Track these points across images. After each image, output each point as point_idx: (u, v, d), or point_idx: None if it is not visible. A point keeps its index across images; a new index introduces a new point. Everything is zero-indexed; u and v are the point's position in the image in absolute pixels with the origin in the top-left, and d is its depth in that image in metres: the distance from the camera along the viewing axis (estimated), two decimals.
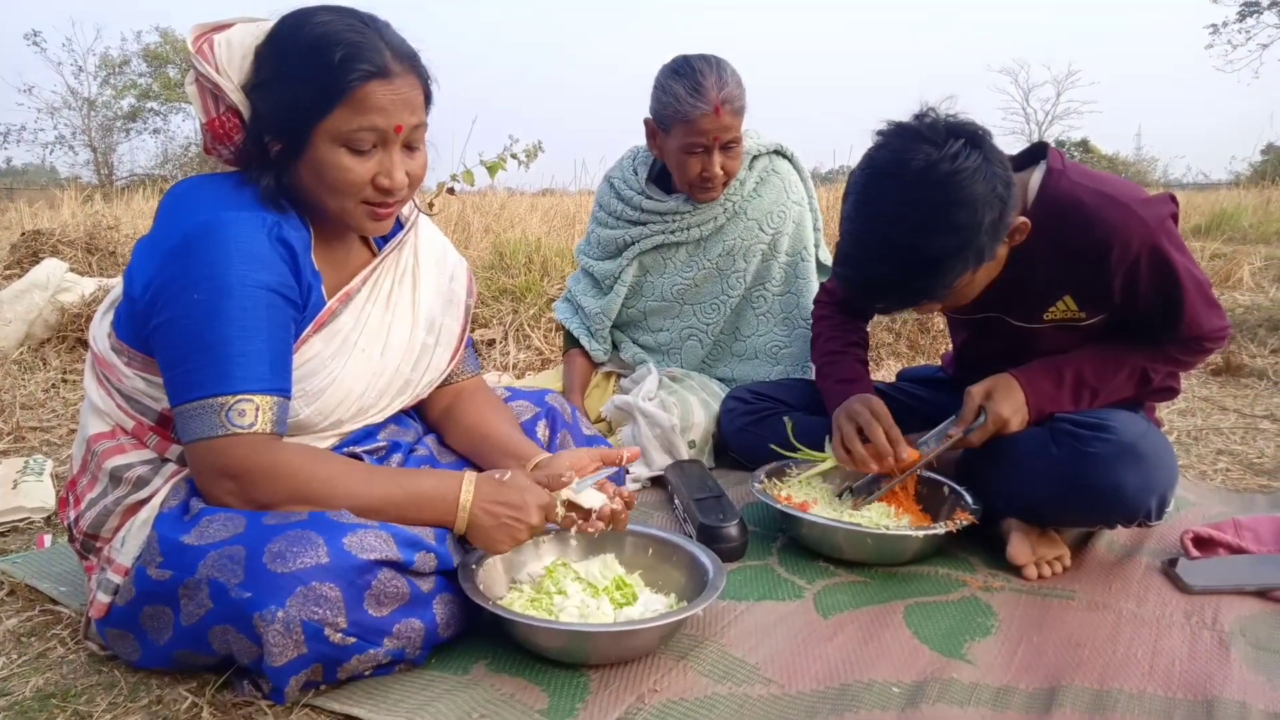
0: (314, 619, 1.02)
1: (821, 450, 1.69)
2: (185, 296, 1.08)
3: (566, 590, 1.24)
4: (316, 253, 1.23)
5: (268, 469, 1.10)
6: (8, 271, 3.89)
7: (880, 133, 1.38)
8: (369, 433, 1.32)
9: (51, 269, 3.29)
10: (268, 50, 1.15)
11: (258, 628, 1.00)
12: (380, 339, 1.29)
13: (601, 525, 1.25)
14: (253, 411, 1.08)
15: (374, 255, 1.34)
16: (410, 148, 1.21)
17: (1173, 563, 1.49)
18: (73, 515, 1.22)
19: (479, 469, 1.35)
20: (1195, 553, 1.52)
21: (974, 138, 1.32)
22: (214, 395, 1.07)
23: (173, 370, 1.10)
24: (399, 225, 1.37)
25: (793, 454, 1.74)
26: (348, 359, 1.24)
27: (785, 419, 1.76)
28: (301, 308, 1.18)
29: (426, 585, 1.14)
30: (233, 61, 1.15)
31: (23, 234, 4.36)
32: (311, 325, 1.20)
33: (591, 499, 1.25)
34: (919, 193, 1.29)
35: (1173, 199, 1.47)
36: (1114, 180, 1.49)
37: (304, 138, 1.14)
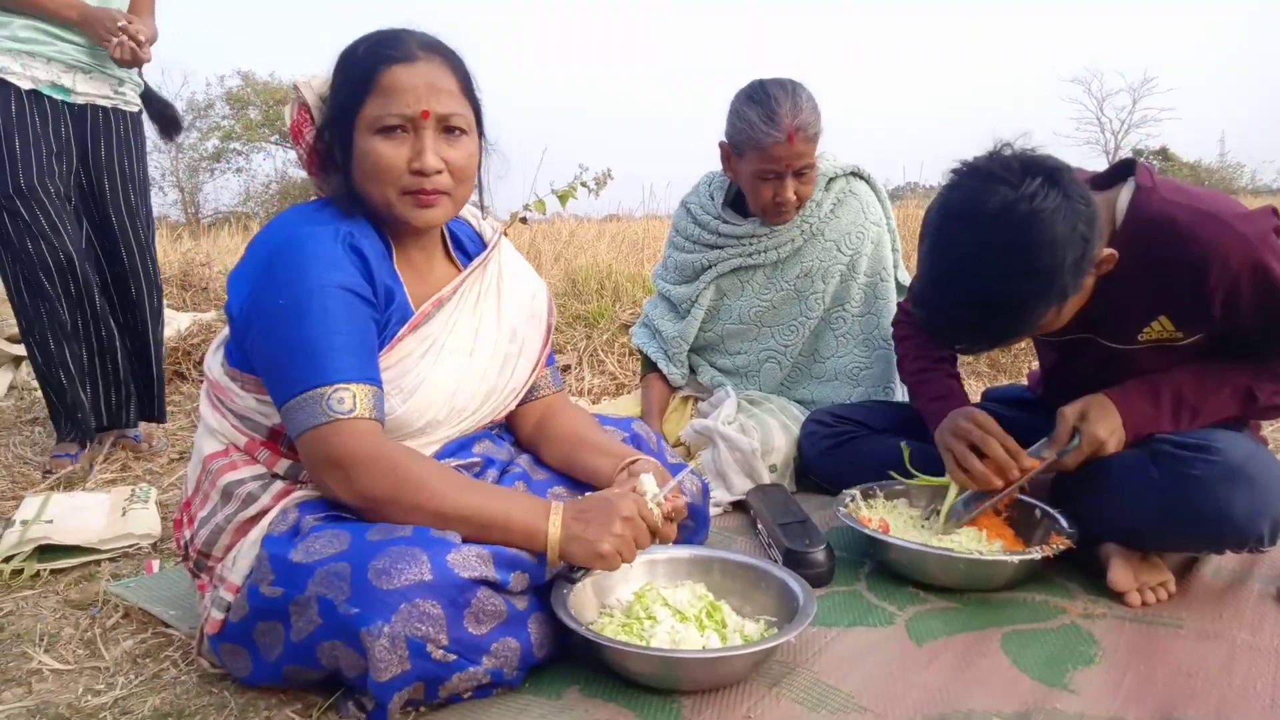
0: (418, 635, 1.04)
1: (939, 474, 1.66)
2: (272, 305, 1.17)
3: (656, 616, 1.25)
4: (399, 262, 1.32)
5: (372, 458, 1.14)
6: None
7: (954, 172, 1.36)
8: (464, 445, 1.37)
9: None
10: (334, 69, 1.28)
11: (364, 642, 1.04)
12: (469, 344, 1.36)
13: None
14: (350, 399, 1.14)
15: (457, 269, 1.42)
16: (450, 135, 1.26)
17: None
18: (187, 535, 1.28)
19: (574, 483, 1.42)
20: None
21: (1052, 174, 1.29)
22: (312, 388, 1.14)
23: (272, 374, 1.19)
24: (483, 244, 1.46)
25: (910, 480, 1.71)
26: (437, 359, 1.30)
27: (902, 444, 1.74)
28: (380, 308, 1.25)
29: (521, 604, 1.16)
30: (319, 79, 1.30)
31: None
32: (406, 326, 1.27)
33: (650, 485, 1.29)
34: (996, 236, 1.27)
35: (1275, 212, 1.41)
36: (1209, 195, 1.44)
37: (350, 134, 1.24)
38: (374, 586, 1.04)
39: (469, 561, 1.10)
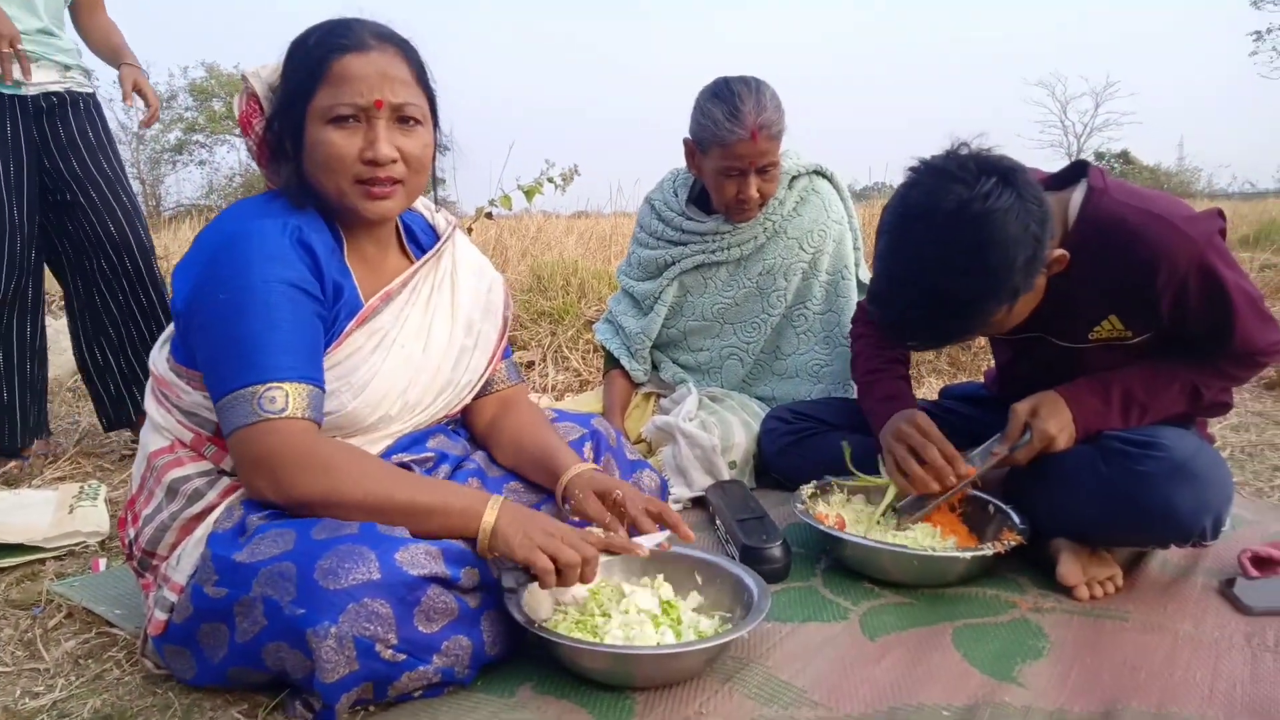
0: (365, 635, 1.03)
1: (877, 473, 1.67)
2: (213, 299, 1.16)
3: (611, 613, 1.25)
4: (350, 255, 1.30)
5: (302, 458, 1.12)
6: (63, 302, 4.00)
7: (912, 170, 1.38)
8: (417, 440, 1.35)
9: None
10: (285, 59, 1.26)
11: (310, 644, 1.02)
12: (421, 338, 1.34)
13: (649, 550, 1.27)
14: (283, 398, 1.12)
15: (411, 262, 1.40)
16: (404, 125, 1.24)
17: (1230, 583, 1.45)
18: (131, 533, 1.26)
19: (530, 482, 1.41)
20: (1254, 572, 1.48)
21: (1006, 175, 1.30)
22: (244, 385, 1.12)
23: (210, 370, 1.17)
24: (436, 236, 1.44)
25: (849, 481, 1.72)
26: (388, 354, 1.29)
27: (844, 443, 1.75)
28: (328, 304, 1.23)
29: (474, 601, 1.15)
30: (268, 68, 1.28)
31: None
32: (354, 321, 1.25)
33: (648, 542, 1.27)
34: (951, 235, 1.28)
35: (1220, 214, 1.44)
36: (1159, 197, 1.47)
37: (301, 124, 1.22)
38: (320, 587, 1.03)
39: (418, 559, 1.08)
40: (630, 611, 1.25)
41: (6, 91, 2.11)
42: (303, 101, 1.21)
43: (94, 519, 1.78)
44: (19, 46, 2.04)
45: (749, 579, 1.29)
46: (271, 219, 1.21)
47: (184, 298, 1.20)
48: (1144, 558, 1.57)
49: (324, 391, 1.20)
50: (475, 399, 1.48)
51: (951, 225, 1.28)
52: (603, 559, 1.36)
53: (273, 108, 1.27)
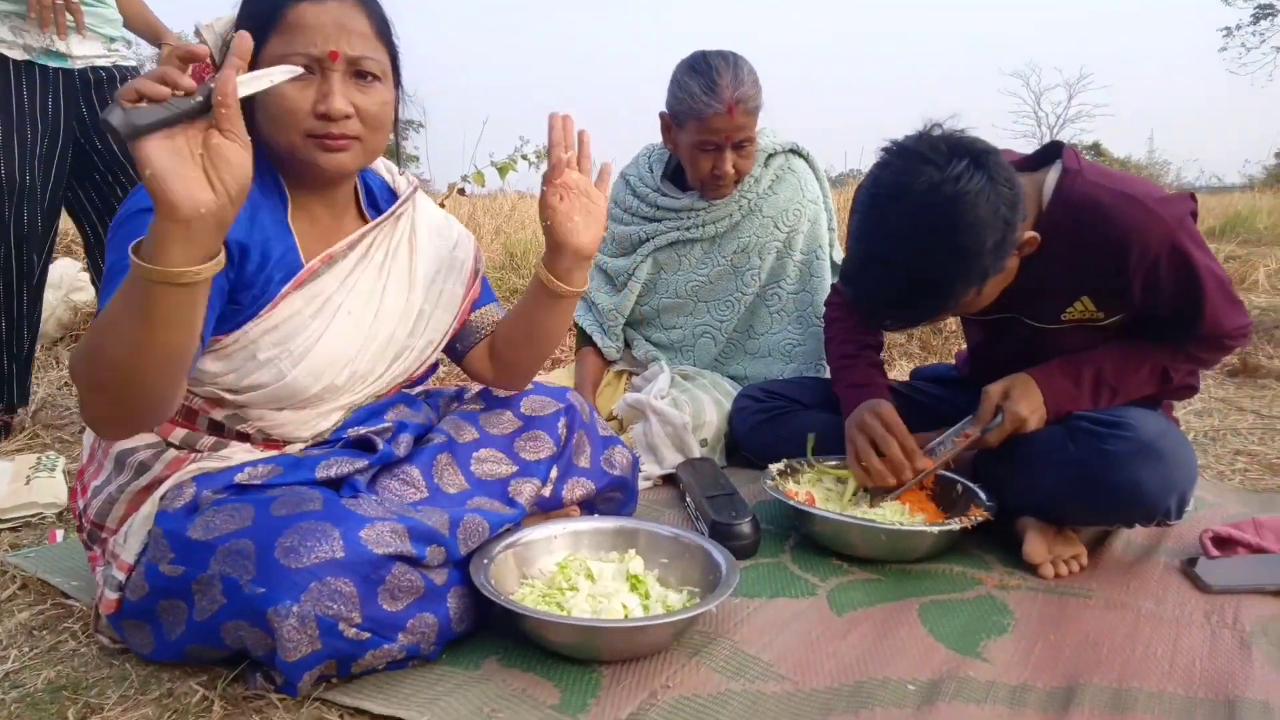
0: (328, 614, 1.01)
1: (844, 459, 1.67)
2: (106, 262, 1.07)
3: (578, 586, 1.24)
4: (295, 217, 1.23)
5: (77, 370, 0.97)
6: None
7: (884, 150, 1.38)
8: (374, 412, 1.32)
9: (65, 269, 3.30)
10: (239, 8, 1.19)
11: (272, 623, 0.99)
12: (373, 304, 1.27)
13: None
14: None
15: (366, 223, 1.33)
16: (361, 81, 1.16)
17: (1192, 562, 1.47)
18: (81, 504, 1.22)
19: (508, 448, 1.39)
20: (1215, 552, 1.50)
21: (978, 157, 1.30)
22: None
23: None
24: (394, 196, 1.37)
25: (811, 468, 1.73)
26: (331, 320, 1.22)
27: (810, 435, 1.74)
28: (241, 264, 1.14)
29: (439, 578, 1.13)
30: (222, 22, 1.19)
31: None
32: (291, 283, 1.18)
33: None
34: (921, 216, 1.29)
35: (1192, 197, 1.45)
36: (1131, 180, 1.47)
37: None
38: (281, 565, 1.00)
39: (383, 537, 1.06)
40: (596, 584, 1.24)
41: (51, 65, 2.05)
42: (254, 52, 1.11)
43: (51, 490, 1.74)
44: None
45: (718, 554, 1.29)
46: None
47: None
48: (1108, 537, 1.59)
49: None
50: (470, 350, 1.45)
51: (922, 206, 1.28)
52: (570, 532, 1.35)
53: (225, 60, 1.21)
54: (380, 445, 1.26)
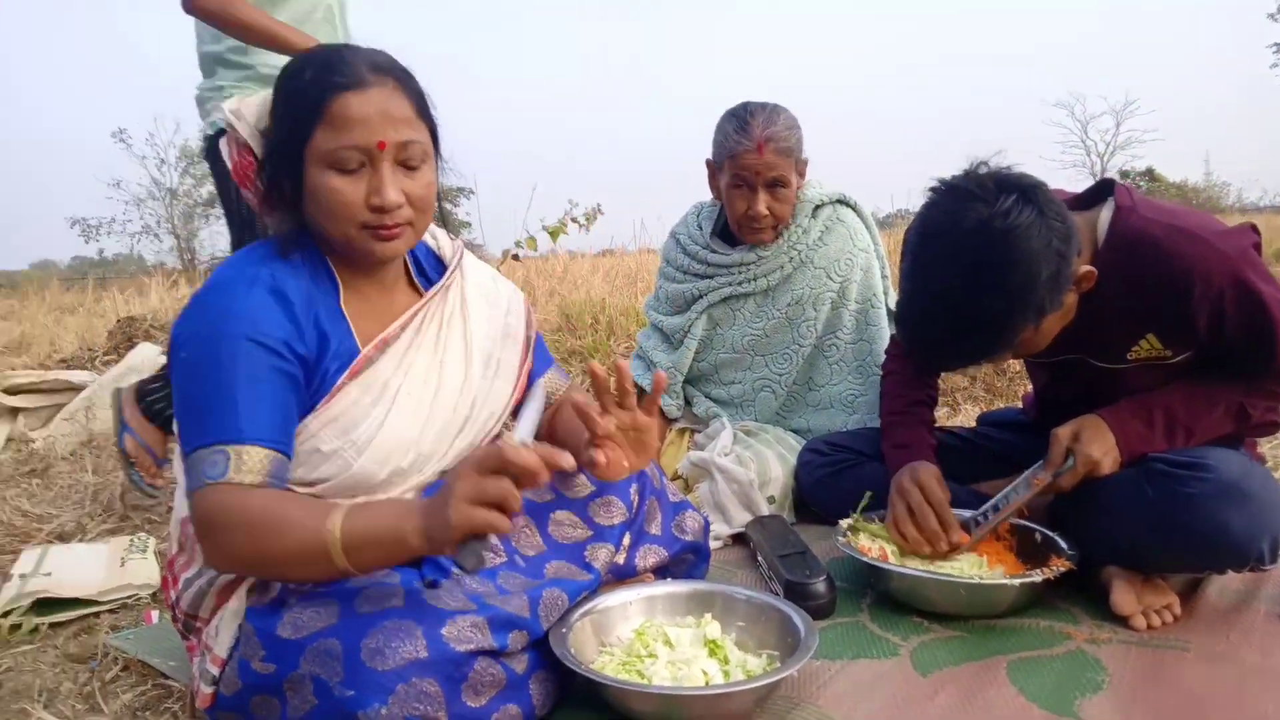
0: (415, 714, 1.01)
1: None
2: (177, 357, 1.13)
3: (657, 653, 1.24)
4: (348, 301, 1.25)
5: (225, 519, 1.05)
6: (106, 357, 4.10)
7: (931, 190, 1.38)
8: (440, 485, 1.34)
9: (145, 353, 3.46)
10: (274, 96, 1.21)
11: None
12: (431, 384, 1.28)
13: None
14: (224, 461, 1.06)
15: (421, 296, 1.34)
16: (409, 167, 1.19)
17: None
18: (174, 594, 1.25)
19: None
20: None
21: (1026, 191, 1.31)
22: (193, 449, 1.08)
23: (179, 434, 1.13)
24: (441, 262, 1.38)
25: (869, 526, 1.70)
26: (392, 405, 1.22)
27: (867, 494, 1.73)
28: (305, 357, 1.16)
29: (520, 666, 1.13)
30: (250, 109, 1.22)
31: (118, 321, 4.62)
32: (346, 373, 1.19)
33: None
34: (972, 253, 1.29)
35: (1254, 229, 1.43)
36: (1189, 213, 1.46)
37: (299, 166, 1.16)
38: (368, 668, 1.01)
39: (464, 632, 1.06)
40: (675, 651, 1.24)
41: None
42: (300, 143, 1.15)
43: (144, 571, 1.81)
44: None
45: (795, 616, 1.28)
46: (245, 269, 1.17)
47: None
48: (1201, 584, 1.54)
49: (283, 454, 1.12)
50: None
51: (972, 243, 1.29)
52: (645, 597, 1.36)
53: (265, 151, 1.21)
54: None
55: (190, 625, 1.23)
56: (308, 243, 1.23)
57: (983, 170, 1.37)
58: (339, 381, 1.19)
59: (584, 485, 1.43)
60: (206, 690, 1.15)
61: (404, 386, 1.25)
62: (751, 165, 2.04)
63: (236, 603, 1.16)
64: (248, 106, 1.22)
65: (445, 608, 1.09)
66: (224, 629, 1.16)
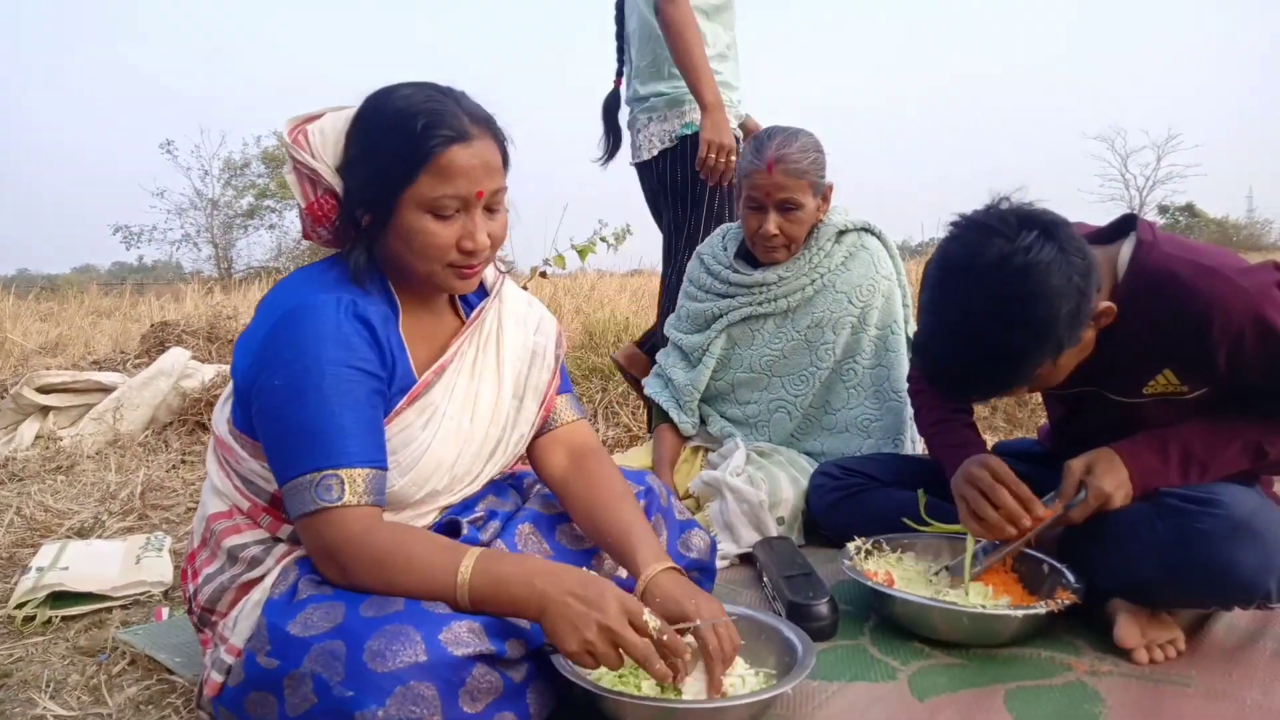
0: (411, 717, 1.02)
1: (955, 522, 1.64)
2: (271, 382, 1.15)
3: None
4: (404, 325, 1.28)
5: (356, 550, 1.12)
6: (138, 360, 4.18)
7: (952, 224, 1.39)
8: (467, 505, 1.36)
9: (176, 357, 3.53)
10: (355, 130, 1.23)
11: None
12: (469, 407, 1.32)
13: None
14: (339, 486, 1.11)
15: (461, 321, 1.38)
16: (491, 210, 1.25)
17: None
18: (192, 588, 1.28)
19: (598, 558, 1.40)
20: None
21: (1048, 228, 1.31)
22: (301, 474, 1.12)
23: (271, 454, 1.17)
24: (485, 291, 1.42)
25: (925, 528, 1.71)
26: (438, 428, 1.27)
27: (919, 492, 1.74)
28: (385, 380, 1.21)
29: (518, 675, 1.13)
30: (326, 146, 1.24)
31: (151, 325, 4.71)
32: (405, 398, 1.24)
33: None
34: (992, 288, 1.29)
35: (1277, 266, 1.42)
36: (1210, 250, 1.45)
37: (391, 206, 1.20)
38: (369, 669, 1.02)
39: (461, 637, 1.07)
40: None
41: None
42: (401, 186, 1.19)
43: (159, 569, 1.85)
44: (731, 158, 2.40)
45: (793, 635, 1.28)
46: (327, 293, 1.20)
47: (243, 373, 1.21)
48: (1207, 620, 1.52)
49: (386, 471, 1.18)
50: (535, 438, 1.45)
51: (994, 278, 1.29)
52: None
53: (353, 188, 1.23)
54: (465, 529, 1.29)
55: (206, 619, 1.26)
56: (374, 267, 1.27)
57: (1004, 205, 1.38)
58: (398, 405, 1.23)
59: None
60: (217, 679, 1.18)
61: (448, 410, 1.29)
62: (762, 185, 2.08)
63: (259, 594, 1.19)
64: (324, 145, 1.24)
65: (441, 614, 1.10)
66: (244, 619, 1.18)
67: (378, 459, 1.17)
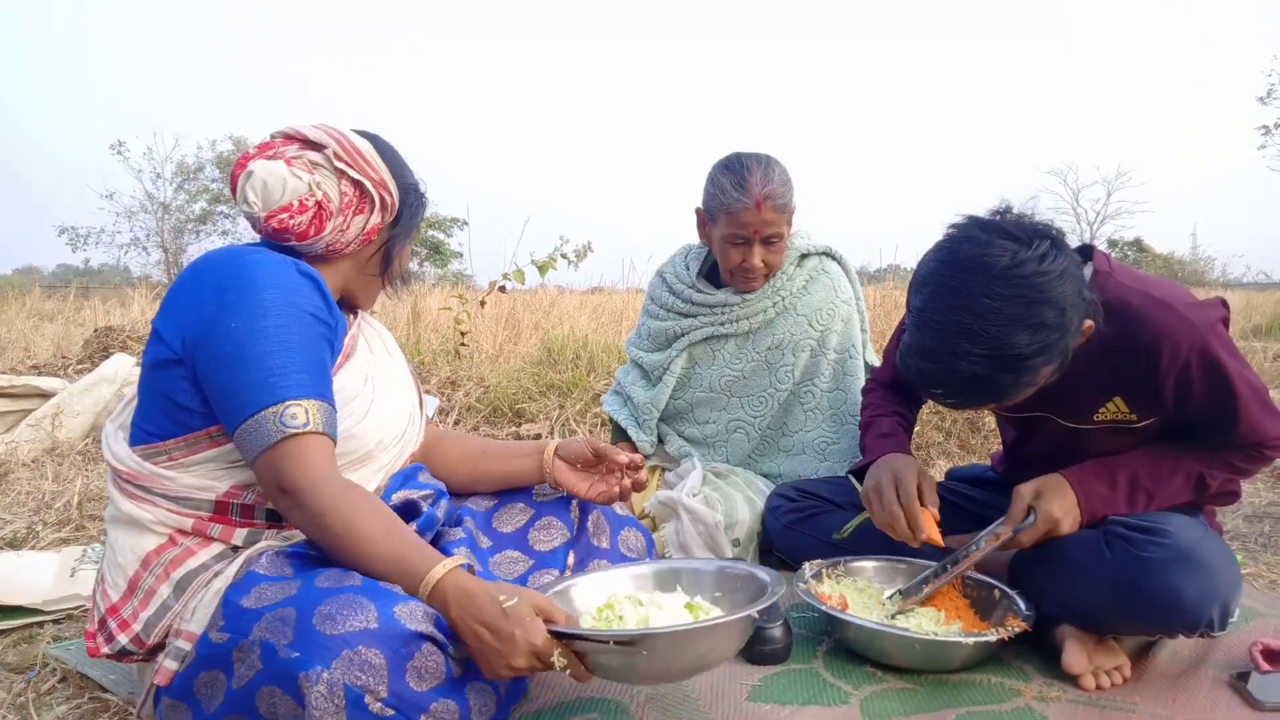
0: (356, 684, 1.01)
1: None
2: (224, 327, 1.17)
3: (625, 616, 1.21)
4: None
5: (325, 473, 1.15)
6: (80, 366, 4.07)
7: (956, 226, 1.38)
8: (409, 476, 1.38)
9: (120, 364, 3.44)
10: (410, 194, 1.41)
11: (302, 687, 1.00)
12: (392, 375, 1.43)
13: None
14: (303, 414, 1.15)
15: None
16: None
17: (1243, 677, 1.42)
18: (122, 640, 1.19)
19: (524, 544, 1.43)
20: (1266, 666, 1.45)
21: (1055, 240, 1.33)
22: (264, 407, 1.14)
23: (223, 398, 1.17)
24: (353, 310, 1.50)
25: (842, 533, 1.76)
26: (375, 386, 1.35)
27: (862, 514, 1.75)
28: (332, 329, 1.27)
29: (458, 670, 1.12)
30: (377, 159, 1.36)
31: (95, 330, 4.58)
32: (342, 354, 1.31)
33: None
34: (1009, 289, 1.27)
35: (1223, 303, 1.46)
36: (1162, 283, 1.49)
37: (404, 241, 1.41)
38: (317, 631, 1.02)
39: (416, 614, 1.07)
40: (646, 610, 1.22)
41: None
42: (414, 228, 1.44)
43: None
44: None
45: (763, 573, 1.28)
46: (273, 254, 1.26)
47: (183, 337, 1.20)
48: (1153, 648, 1.54)
49: (335, 410, 1.22)
50: None
51: (1009, 280, 1.28)
52: (611, 578, 1.36)
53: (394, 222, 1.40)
54: (424, 508, 1.31)
55: (129, 652, 1.20)
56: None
57: (1012, 213, 1.39)
58: (338, 360, 1.31)
59: (523, 511, 1.49)
60: (171, 666, 1.14)
61: (376, 376, 1.37)
62: (750, 223, 2.05)
63: (220, 583, 1.17)
64: (374, 157, 1.36)
65: (398, 593, 1.10)
66: (202, 608, 1.16)
67: (327, 395, 1.21)
